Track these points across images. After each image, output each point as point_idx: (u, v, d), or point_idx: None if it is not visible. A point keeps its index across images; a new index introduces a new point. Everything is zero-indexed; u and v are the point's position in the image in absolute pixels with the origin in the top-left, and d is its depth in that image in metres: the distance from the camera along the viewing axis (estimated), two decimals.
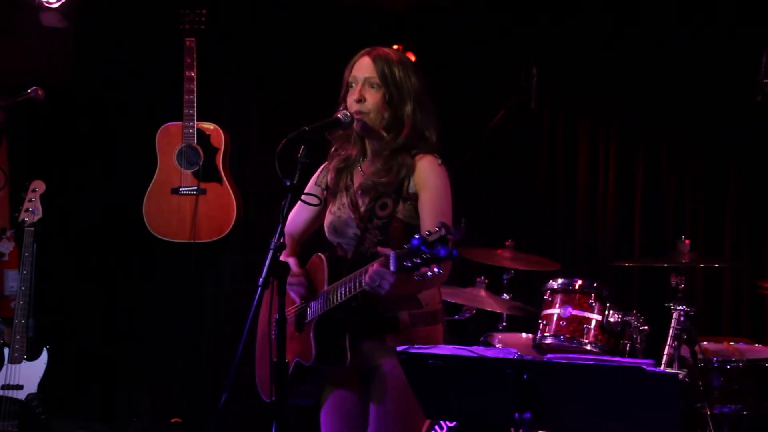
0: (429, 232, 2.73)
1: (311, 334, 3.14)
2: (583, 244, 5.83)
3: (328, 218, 3.32)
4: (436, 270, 2.74)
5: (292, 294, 3.28)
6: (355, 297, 3.04)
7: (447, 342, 3.23)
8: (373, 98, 3.16)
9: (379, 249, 2.92)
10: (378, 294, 2.94)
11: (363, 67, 3.19)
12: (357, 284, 3.00)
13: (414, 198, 3.16)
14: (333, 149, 3.34)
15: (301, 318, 3.26)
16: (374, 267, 2.90)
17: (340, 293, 3.07)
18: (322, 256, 3.24)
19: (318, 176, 3.40)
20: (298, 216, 3.45)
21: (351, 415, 3.29)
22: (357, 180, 3.28)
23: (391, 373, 3.13)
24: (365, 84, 3.18)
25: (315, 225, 3.45)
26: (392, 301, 3.13)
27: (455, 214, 3.19)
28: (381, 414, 3.19)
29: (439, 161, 3.18)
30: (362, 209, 3.22)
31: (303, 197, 3.17)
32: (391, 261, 2.82)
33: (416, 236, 2.73)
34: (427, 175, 3.15)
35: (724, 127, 5.51)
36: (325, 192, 3.37)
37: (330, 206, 3.33)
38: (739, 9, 5.34)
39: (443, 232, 2.70)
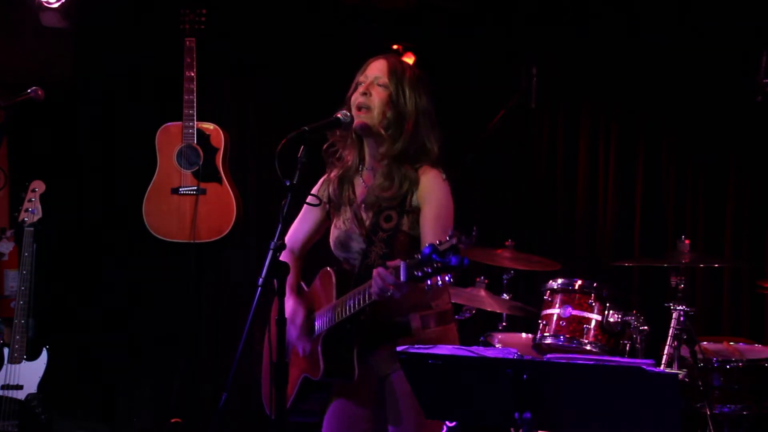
0: (440, 241, 2.70)
1: (319, 348, 3.13)
2: (583, 244, 5.83)
3: (333, 233, 3.31)
4: (447, 279, 2.71)
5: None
6: (363, 309, 3.03)
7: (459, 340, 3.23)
8: (378, 95, 3.17)
9: (389, 263, 2.89)
10: (385, 299, 2.91)
11: (376, 68, 3.21)
12: (366, 296, 2.98)
13: (416, 211, 3.15)
14: (327, 147, 3.30)
15: (309, 331, 3.25)
16: (380, 276, 2.87)
17: (349, 306, 3.05)
18: (331, 270, 3.23)
19: (318, 189, 3.37)
20: (298, 230, 3.43)
21: (354, 423, 3.28)
22: (359, 191, 3.27)
23: (404, 383, 3.10)
24: (374, 81, 3.19)
25: (316, 237, 3.44)
26: (401, 307, 3.12)
27: (456, 221, 3.19)
28: (399, 425, 3.18)
29: (444, 176, 3.17)
30: (367, 223, 3.21)
31: (308, 200, 3.19)
32: (401, 271, 2.80)
33: (427, 245, 2.71)
34: (431, 190, 3.15)
35: (724, 127, 5.51)
36: (327, 205, 3.36)
37: (335, 220, 3.32)
38: (739, 9, 5.34)
39: (455, 240, 2.67)
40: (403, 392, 3.10)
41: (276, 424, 2.88)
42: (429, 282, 2.73)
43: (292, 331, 3.22)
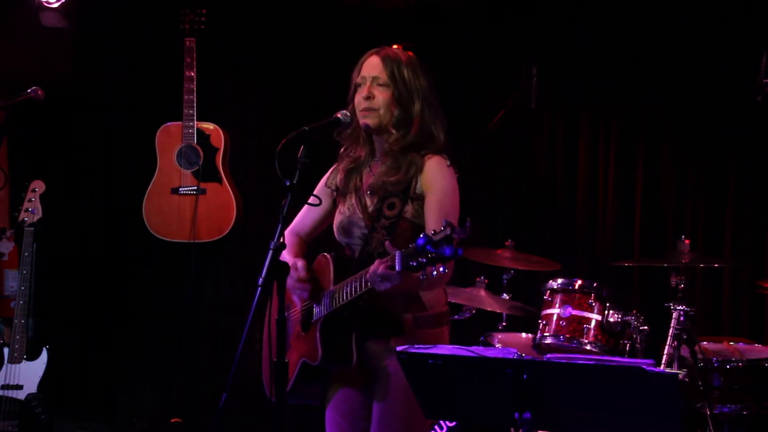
0: (434, 231, 2.72)
1: (317, 334, 3.14)
2: (583, 244, 5.83)
3: (337, 218, 3.33)
4: (441, 269, 2.73)
5: (295, 298, 3.28)
6: (361, 296, 3.05)
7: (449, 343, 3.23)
8: (382, 96, 3.18)
9: (387, 244, 2.92)
10: (379, 290, 2.94)
11: (372, 66, 3.21)
12: (363, 283, 3.00)
13: (421, 198, 3.16)
14: (342, 150, 3.35)
15: (308, 317, 3.26)
16: (376, 266, 2.90)
17: (346, 292, 3.07)
18: (328, 255, 3.24)
19: (328, 178, 3.41)
20: (306, 216, 3.45)
21: (355, 414, 3.29)
22: (366, 180, 3.28)
23: (395, 374, 3.12)
24: (374, 82, 3.19)
25: (323, 226, 3.45)
26: (397, 303, 3.13)
27: (461, 214, 3.20)
28: (385, 415, 3.19)
29: (448, 162, 3.19)
30: (370, 209, 3.22)
31: (309, 200, 3.21)
32: (396, 260, 2.82)
33: (421, 236, 2.73)
34: (435, 176, 3.16)
35: (724, 127, 5.51)
36: (334, 193, 3.38)
37: (340, 206, 3.34)
38: (740, 9, 5.34)
39: (448, 231, 2.69)
40: (397, 377, 3.09)
41: (276, 410, 2.89)
42: (424, 271, 2.75)
43: (292, 276, 3.21)
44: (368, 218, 3.22)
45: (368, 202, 3.25)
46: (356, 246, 3.26)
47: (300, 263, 3.26)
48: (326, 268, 3.22)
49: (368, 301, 3.10)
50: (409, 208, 3.16)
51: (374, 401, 3.22)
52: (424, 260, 2.73)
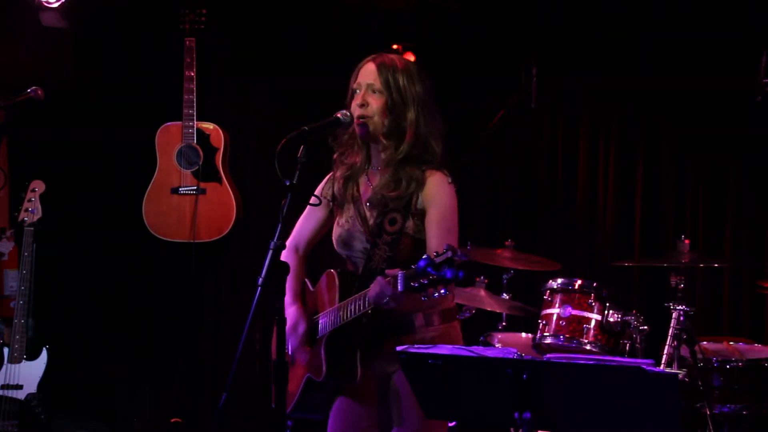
0: (436, 253, 2.76)
1: (322, 351, 3.16)
2: (583, 244, 5.83)
3: (336, 231, 3.32)
4: (442, 291, 2.76)
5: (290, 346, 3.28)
6: (365, 313, 3.06)
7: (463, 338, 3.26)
8: (376, 103, 3.17)
9: (387, 271, 2.94)
10: (383, 308, 2.97)
11: (367, 73, 3.20)
12: (365, 302, 3.02)
13: (422, 214, 3.16)
14: (336, 155, 3.33)
15: (313, 333, 3.27)
16: (377, 285, 2.92)
17: (350, 310, 3.09)
18: (334, 272, 3.24)
19: (323, 187, 3.39)
20: (304, 227, 3.44)
21: (359, 420, 3.30)
22: (363, 190, 3.28)
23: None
24: (368, 89, 3.19)
25: (320, 236, 3.45)
26: (406, 306, 3.13)
27: (460, 223, 3.20)
28: (403, 419, 3.19)
29: (449, 179, 3.19)
30: (371, 223, 3.22)
31: (311, 201, 3.21)
32: (399, 281, 2.85)
33: (423, 258, 2.76)
34: (436, 193, 3.16)
35: (724, 127, 5.51)
36: (331, 203, 3.37)
37: (338, 218, 3.33)
38: (739, 9, 5.35)
39: (450, 254, 2.73)
40: (405, 392, 3.11)
41: (275, 415, 2.90)
42: (426, 292, 2.78)
43: (293, 341, 3.24)
44: (369, 232, 3.21)
45: (368, 214, 3.24)
46: (357, 259, 3.26)
47: (301, 328, 3.26)
48: (332, 285, 3.23)
49: (372, 315, 3.10)
50: (410, 224, 3.16)
51: (390, 407, 3.22)
52: (426, 282, 2.77)
